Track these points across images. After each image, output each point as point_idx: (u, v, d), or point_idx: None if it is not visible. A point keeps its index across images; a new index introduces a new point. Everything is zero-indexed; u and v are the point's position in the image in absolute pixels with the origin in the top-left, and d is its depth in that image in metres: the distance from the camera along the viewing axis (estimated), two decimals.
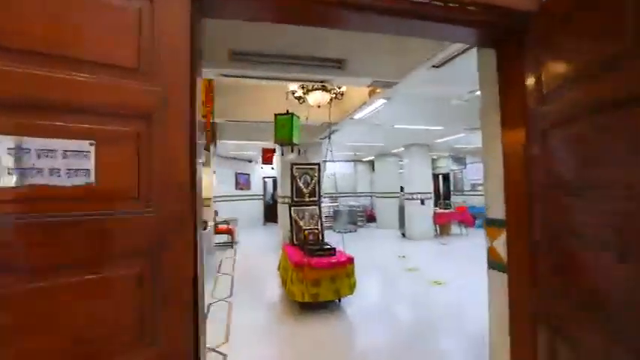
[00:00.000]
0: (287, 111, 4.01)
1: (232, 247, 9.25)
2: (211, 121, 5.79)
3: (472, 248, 8.37)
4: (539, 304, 1.35)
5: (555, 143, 1.27)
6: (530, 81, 1.40)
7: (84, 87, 0.91)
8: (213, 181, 9.38)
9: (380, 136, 9.14)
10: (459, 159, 13.95)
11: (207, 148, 5.38)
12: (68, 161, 0.89)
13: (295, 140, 4.00)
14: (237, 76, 3.80)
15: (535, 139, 1.38)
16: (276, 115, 4.01)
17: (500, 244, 1.71)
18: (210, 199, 8.68)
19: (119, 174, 0.95)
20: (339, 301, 4.61)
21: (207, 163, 8.57)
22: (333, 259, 4.44)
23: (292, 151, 4.30)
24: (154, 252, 0.99)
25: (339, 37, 3.87)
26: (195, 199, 1.06)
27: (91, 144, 0.90)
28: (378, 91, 4.80)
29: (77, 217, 0.90)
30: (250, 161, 13.92)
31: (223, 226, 9.47)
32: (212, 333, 3.74)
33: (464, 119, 6.87)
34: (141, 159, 0.95)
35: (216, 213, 9.84)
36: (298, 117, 4.14)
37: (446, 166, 14.88)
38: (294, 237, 5.50)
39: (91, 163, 0.91)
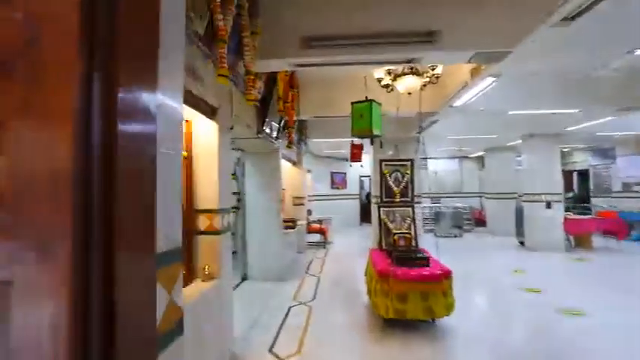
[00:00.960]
0: (366, 97, 3.52)
1: (324, 247, 9.16)
2: (296, 118, 5.70)
3: (628, 269, 6.34)
4: None
5: None
6: None
7: None
8: (306, 179, 9.48)
9: (490, 127, 7.75)
10: (604, 151, 10.98)
11: (289, 146, 5.28)
12: None
13: (376, 131, 3.48)
14: (313, 65, 3.49)
15: None
16: (352, 103, 3.58)
17: None
18: (302, 197, 8.75)
19: None
20: (433, 321, 3.88)
21: (298, 162, 8.67)
22: (425, 272, 3.75)
23: (372, 143, 3.79)
24: None
25: (428, 5, 3.20)
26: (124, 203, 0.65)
27: None
28: (482, 68, 3.89)
29: None
30: (346, 160, 13.75)
31: (315, 226, 9.46)
32: (286, 340, 3.53)
33: (613, 96, 5.17)
34: None
35: (309, 212, 9.94)
36: (379, 104, 3.61)
37: (583, 160, 11.95)
38: (383, 241, 4.95)
39: None
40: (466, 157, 13.93)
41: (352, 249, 8.82)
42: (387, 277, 3.75)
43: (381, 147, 4.94)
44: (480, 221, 11.92)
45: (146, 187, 0.75)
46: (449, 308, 3.72)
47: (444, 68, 4.55)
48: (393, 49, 3.25)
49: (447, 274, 3.77)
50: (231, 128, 3.26)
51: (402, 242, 4.78)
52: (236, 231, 5.99)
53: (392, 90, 4.75)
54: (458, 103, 5.17)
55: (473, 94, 4.78)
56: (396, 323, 3.79)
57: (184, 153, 2.56)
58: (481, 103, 5.33)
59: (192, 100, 2.53)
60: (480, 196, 13.18)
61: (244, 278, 5.88)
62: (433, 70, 4.37)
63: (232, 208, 6.08)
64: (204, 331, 2.64)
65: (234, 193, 5.94)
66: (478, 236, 10.65)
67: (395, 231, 4.95)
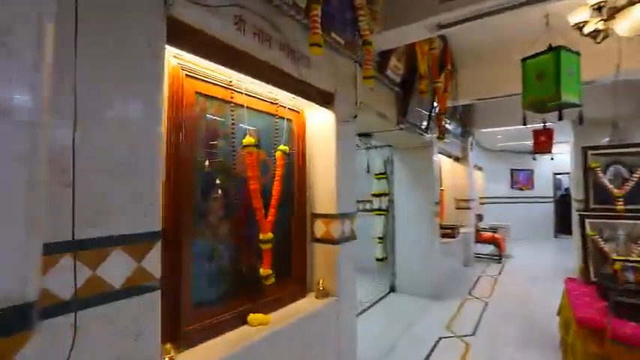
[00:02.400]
0: (549, 45, 2.23)
1: (499, 261, 7.35)
2: (451, 104, 4.62)
3: None
4: None
5: None
6: None
7: None
8: (474, 179, 7.88)
9: None
10: None
11: (440, 137, 4.26)
12: None
13: (569, 97, 2.15)
14: (458, 22, 2.54)
15: None
16: (524, 60, 2.35)
17: None
18: (468, 200, 7.30)
19: None
20: None
21: (463, 158, 7.28)
22: None
23: (561, 118, 2.34)
24: None
25: None
26: None
27: None
28: None
29: None
30: (530, 153, 10.84)
31: (487, 234, 7.73)
32: None
33: None
34: None
35: (479, 217, 8.24)
36: (576, 53, 2.23)
37: None
38: (591, 269, 3.28)
39: None
40: None
41: (541, 268, 6.67)
42: (597, 333, 2.33)
43: (580, 123, 3.20)
44: None
45: None
46: None
47: None
48: None
49: None
50: (355, 117, 2.73)
51: (630, 277, 3.00)
52: (385, 236, 5.44)
53: (605, 38, 3.05)
54: None
55: None
56: None
57: (284, 147, 2.19)
58: None
59: (293, 85, 2.15)
60: None
61: (392, 289, 5.24)
62: None
63: (381, 210, 5.58)
64: (314, 357, 2.21)
65: (382, 195, 5.40)
66: None
67: (617, 257, 3.17)
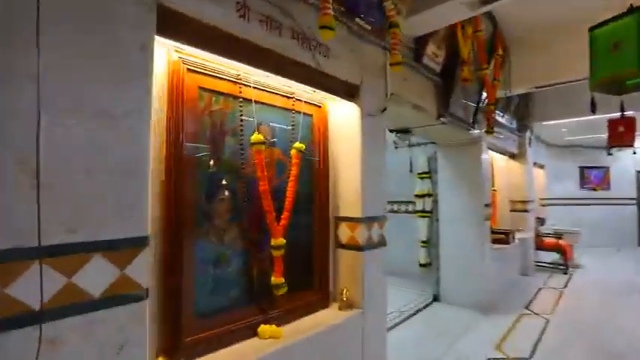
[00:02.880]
0: (630, 6, 1.73)
1: (565, 272, 6.47)
2: (506, 93, 4.11)
3: None
4: None
5: None
6: None
7: None
8: (533, 178, 7.05)
9: None
10: None
11: (489, 131, 3.77)
12: None
13: None
14: None
15: None
16: (592, 28, 1.88)
17: None
18: (526, 202, 6.55)
19: None
20: None
21: (520, 155, 6.54)
22: None
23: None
24: None
25: None
26: None
27: None
28: None
29: None
30: (605, 148, 9.48)
31: (551, 240, 6.87)
32: None
33: None
34: None
35: (540, 221, 7.36)
36: None
37: None
38: None
39: None
40: None
41: (619, 283, 5.73)
42: None
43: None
44: None
45: None
46: None
47: None
48: None
49: None
50: (384, 110, 2.47)
51: None
52: (429, 240, 5.04)
53: None
54: None
55: None
56: None
57: (299, 145, 2.02)
58: None
59: (309, 76, 1.96)
60: None
61: (435, 299, 4.82)
62: None
63: (424, 212, 5.17)
64: None
65: (426, 196, 5.01)
66: None
67: None
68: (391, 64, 2.07)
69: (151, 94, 1.27)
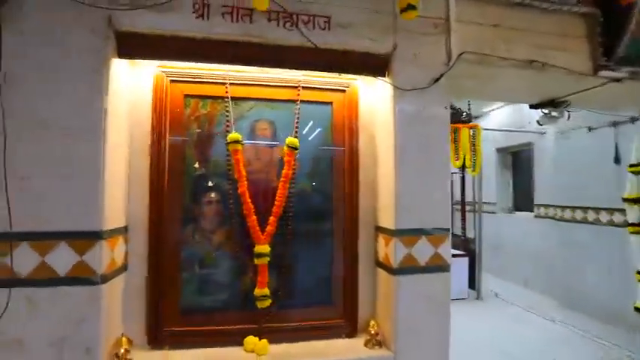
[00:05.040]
0: None
1: None
2: None
3: None
4: None
5: None
6: None
7: None
8: None
9: None
10: None
11: None
12: None
13: None
14: None
15: None
16: None
17: None
18: None
19: None
20: None
21: None
22: None
23: None
24: None
25: None
26: None
27: None
28: None
29: None
30: None
31: None
32: None
33: None
34: None
35: None
36: None
37: None
38: None
39: None
40: None
41: None
42: None
43: None
44: None
45: None
46: None
47: None
48: None
49: None
50: (438, 80, 1.75)
51: None
52: None
53: None
54: None
55: None
56: None
57: (291, 141, 1.73)
58: None
59: (302, 59, 1.67)
60: None
61: None
62: None
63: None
64: None
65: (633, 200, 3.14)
66: None
67: None
68: (401, 10, 1.44)
69: (104, 112, 1.46)
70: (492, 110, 5.51)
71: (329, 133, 1.87)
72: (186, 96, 1.74)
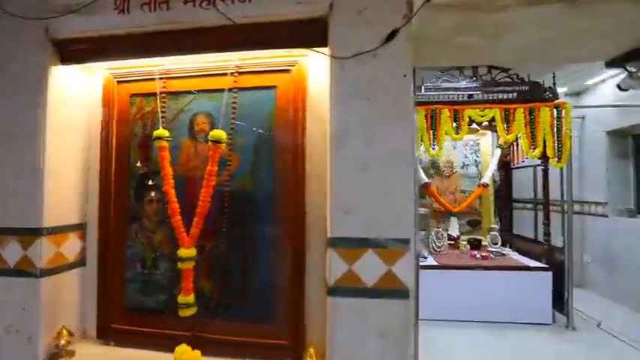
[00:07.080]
0: None
1: None
2: None
3: None
4: None
5: None
6: None
7: None
8: None
9: None
10: None
11: None
12: None
13: None
14: None
15: None
16: None
17: None
18: None
19: None
20: None
21: None
22: None
23: None
24: None
25: None
26: None
27: None
28: None
29: None
30: None
31: None
32: None
33: None
34: None
35: None
36: None
37: None
38: None
39: None
40: None
41: None
42: None
43: None
44: None
45: None
46: None
47: None
48: None
49: None
50: (390, 38, 1.29)
51: None
52: None
53: None
54: None
55: None
56: None
57: (216, 134, 1.52)
58: None
59: (219, 39, 1.48)
60: None
61: None
62: None
63: None
64: None
65: None
66: None
67: None
68: None
69: (44, 117, 1.55)
70: (601, 82, 4.12)
71: (271, 122, 1.60)
72: (132, 95, 1.74)
